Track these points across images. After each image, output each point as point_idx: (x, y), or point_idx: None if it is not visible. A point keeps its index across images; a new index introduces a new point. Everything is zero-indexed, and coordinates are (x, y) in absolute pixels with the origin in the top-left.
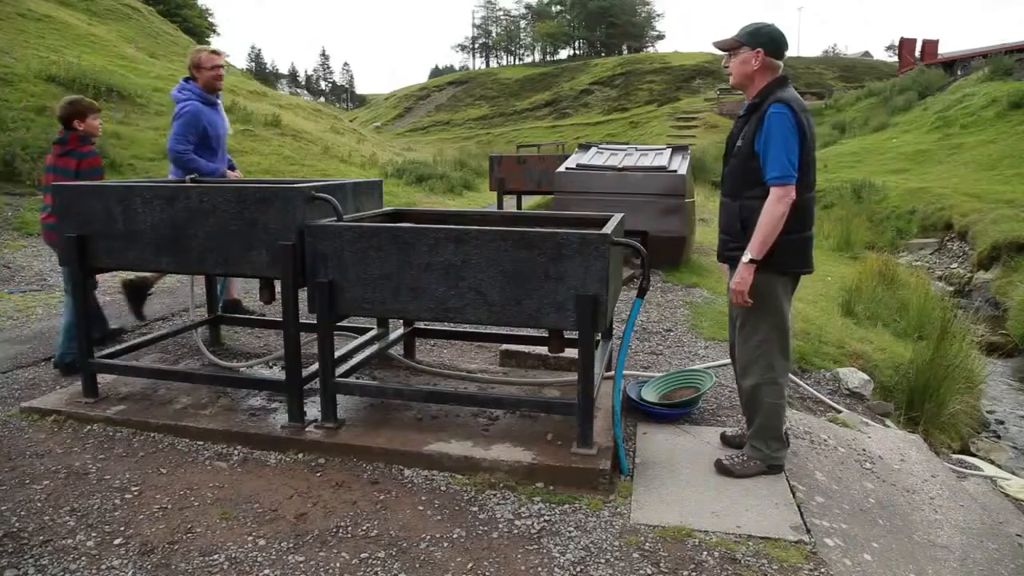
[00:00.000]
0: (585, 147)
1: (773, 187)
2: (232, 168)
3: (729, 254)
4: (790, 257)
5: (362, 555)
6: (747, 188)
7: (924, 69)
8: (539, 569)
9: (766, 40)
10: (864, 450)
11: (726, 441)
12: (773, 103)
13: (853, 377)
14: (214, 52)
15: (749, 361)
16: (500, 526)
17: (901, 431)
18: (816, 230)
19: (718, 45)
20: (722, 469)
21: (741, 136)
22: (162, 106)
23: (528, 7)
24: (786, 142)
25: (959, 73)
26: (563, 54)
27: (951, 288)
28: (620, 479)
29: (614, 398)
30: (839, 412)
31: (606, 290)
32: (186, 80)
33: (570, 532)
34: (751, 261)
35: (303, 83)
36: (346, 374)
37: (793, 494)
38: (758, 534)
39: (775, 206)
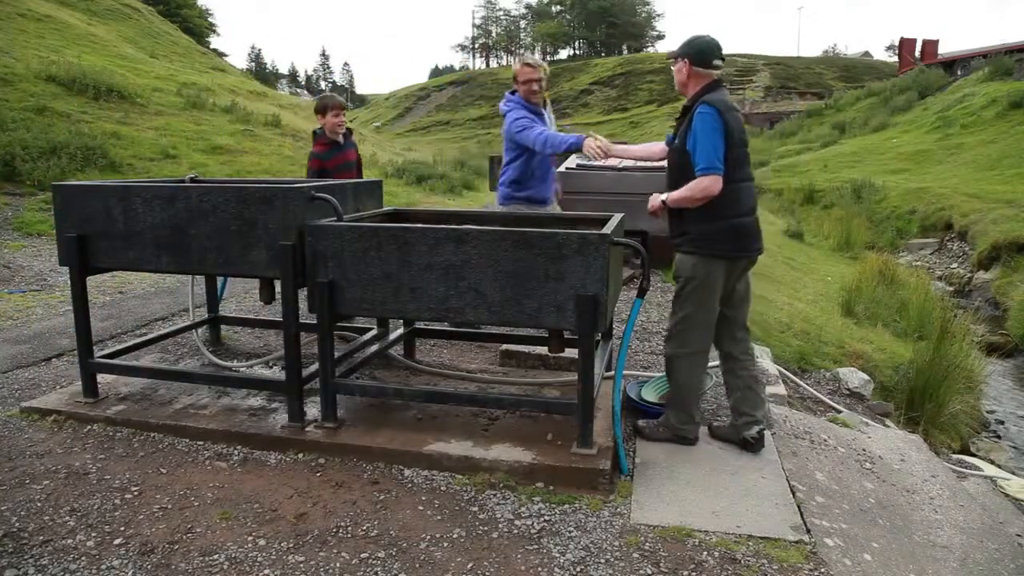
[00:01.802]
0: None
1: (700, 176)
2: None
3: (672, 241)
4: (717, 242)
5: (362, 555)
6: (681, 182)
7: (924, 69)
8: (539, 569)
9: (691, 51)
10: (864, 450)
11: (714, 434)
12: (700, 105)
13: (853, 377)
14: (528, 65)
15: (670, 332)
16: (500, 526)
17: (901, 431)
18: (816, 229)
19: (666, 56)
20: (638, 431)
21: (677, 135)
22: (162, 106)
23: (528, 7)
24: (711, 138)
25: (959, 73)
26: (563, 54)
27: (951, 288)
28: (620, 479)
29: (614, 398)
30: (839, 412)
31: (606, 290)
32: (511, 92)
33: (570, 532)
34: (663, 202)
35: (303, 83)
36: (346, 374)
37: (793, 494)
38: (758, 534)
39: (697, 185)
